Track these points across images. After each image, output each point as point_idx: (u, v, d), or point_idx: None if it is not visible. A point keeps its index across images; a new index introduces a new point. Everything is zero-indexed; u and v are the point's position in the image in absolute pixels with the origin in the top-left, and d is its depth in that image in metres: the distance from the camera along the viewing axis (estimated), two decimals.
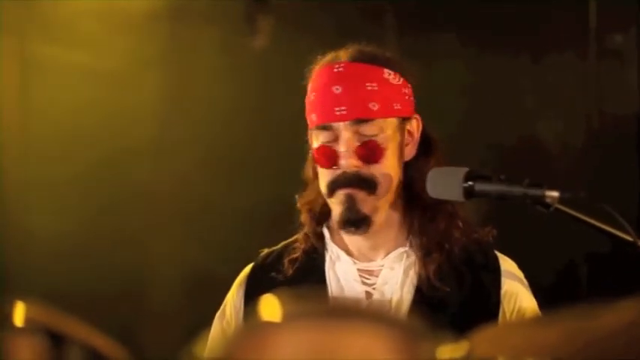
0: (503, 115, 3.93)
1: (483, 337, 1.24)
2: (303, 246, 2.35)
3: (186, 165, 3.99)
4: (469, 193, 2.00)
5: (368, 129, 2.20)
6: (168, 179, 4.00)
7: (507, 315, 2.27)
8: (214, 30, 4.01)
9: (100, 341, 1.41)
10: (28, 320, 1.35)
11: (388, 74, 2.24)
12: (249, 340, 1.12)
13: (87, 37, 3.95)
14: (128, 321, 3.80)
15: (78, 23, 3.93)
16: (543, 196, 1.91)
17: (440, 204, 2.23)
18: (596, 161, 3.87)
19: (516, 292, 2.29)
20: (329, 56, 2.29)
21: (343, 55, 2.27)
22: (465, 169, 2.02)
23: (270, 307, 1.15)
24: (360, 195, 2.21)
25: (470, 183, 2.00)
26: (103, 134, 3.94)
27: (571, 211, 1.91)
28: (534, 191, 1.92)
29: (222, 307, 2.40)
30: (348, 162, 2.19)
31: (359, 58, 2.25)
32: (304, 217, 2.35)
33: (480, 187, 1.99)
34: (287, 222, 2.39)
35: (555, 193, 1.91)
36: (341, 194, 2.22)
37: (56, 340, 1.34)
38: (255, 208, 3.83)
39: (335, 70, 2.24)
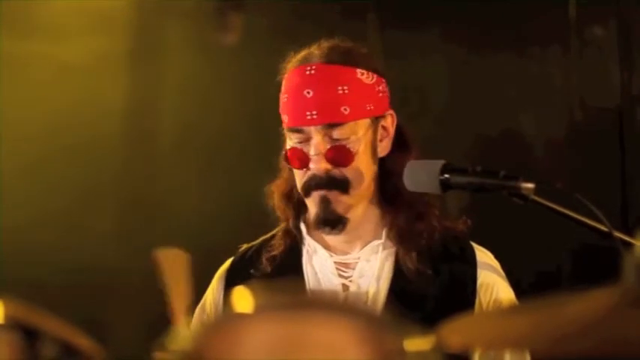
0: (485, 108, 3.93)
1: (453, 328, 1.24)
2: (281, 242, 2.36)
3: (158, 159, 3.99)
4: (446, 185, 2.00)
5: (339, 132, 2.21)
6: (140, 172, 3.99)
7: (484, 306, 2.27)
8: (186, 26, 4.01)
9: (74, 336, 1.41)
10: (5, 317, 1.35)
11: (361, 74, 2.25)
12: (218, 331, 1.13)
13: (59, 32, 3.94)
14: (100, 315, 3.80)
15: (50, 19, 3.92)
16: (519, 188, 1.91)
17: (417, 195, 2.23)
18: (578, 154, 3.87)
19: (492, 284, 2.30)
20: (302, 54, 2.29)
21: (316, 53, 2.27)
22: (442, 162, 2.02)
23: (242, 299, 1.15)
24: (334, 195, 2.23)
25: (446, 175, 2.00)
26: (74, 127, 3.92)
27: (547, 202, 1.92)
28: (510, 182, 1.92)
29: (202, 301, 2.40)
30: (318, 165, 2.21)
31: (331, 59, 2.25)
32: (281, 211, 2.37)
33: (455, 179, 1.99)
34: (262, 215, 2.40)
35: (531, 185, 1.91)
36: (316, 195, 2.24)
37: (29, 335, 1.34)
38: (231, 202, 3.83)
39: (307, 72, 2.24)
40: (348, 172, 2.23)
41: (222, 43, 3.95)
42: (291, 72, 2.28)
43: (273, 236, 2.39)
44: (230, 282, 2.37)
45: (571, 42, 3.92)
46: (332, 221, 2.25)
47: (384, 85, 2.30)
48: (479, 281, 2.29)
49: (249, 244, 2.42)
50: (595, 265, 3.07)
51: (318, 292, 2.24)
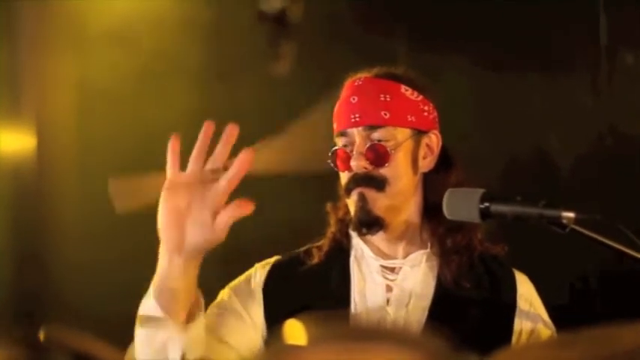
0: (513, 131, 3.93)
1: (508, 357, 1.25)
2: (328, 243, 2.49)
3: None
4: (485, 214, 2.01)
5: (378, 134, 2.38)
6: None
7: (523, 331, 2.36)
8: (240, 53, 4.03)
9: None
10: (54, 343, 1.37)
11: (405, 90, 2.42)
12: None
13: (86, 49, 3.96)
14: None
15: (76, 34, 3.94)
16: (560, 217, 1.92)
17: None
18: (608, 178, 3.86)
19: (532, 309, 2.41)
20: (358, 73, 2.47)
21: (368, 72, 2.46)
22: (482, 191, 2.03)
23: (294, 330, 1.15)
24: (371, 194, 2.37)
25: (486, 204, 2.01)
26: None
27: (587, 231, 1.92)
28: (551, 212, 1.93)
29: (236, 283, 2.47)
30: (357, 163, 2.36)
31: (379, 75, 2.45)
32: (332, 219, 2.51)
33: (496, 208, 2.00)
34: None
35: (571, 214, 1.92)
36: (354, 194, 2.38)
37: None
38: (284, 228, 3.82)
39: (356, 84, 2.44)
40: (385, 171, 2.37)
41: (273, 71, 3.96)
42: (344, 87, 2.47)
43: (314, 246, 2.51)
44: (275, 274, 2.46)
45: (601, 67, 3.91)
46: (368, 222, 2.37)
47: (430, 107, 2.47)
48: (518, 305, 2.40)
49: (289, 252, 2.53)
50: (626, 289, 3.07)
51: (365, 320, 2.25)
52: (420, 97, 2.44)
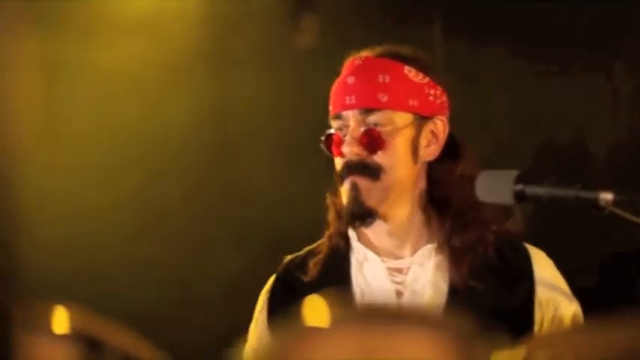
0: (549, 122, 3.88)
1: (541, 343, 1.19)
2: (327, 247, 2.35)
3: (237, 171, 3.95)
4: (520, 196, 1.95)
5: (374, 118, 2.22)
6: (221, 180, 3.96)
7: (545, 321, 2.23)
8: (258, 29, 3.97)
9: (138, 347, 1.38)
10: (67, 326, 1.32)
11: (409, 71, 2.26)
12: (292, 347, 1.08)
13: (113, 39, 3.92)
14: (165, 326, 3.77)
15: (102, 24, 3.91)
16: (597, 199, 1.85)
17: (472, 210, 2.22)
18: None
19: (552, 297, 2.26)
20: (361, 51, 2.31)
21: (372, 51, 2.30)
22: (516, 172, 1.96)
23: (316, 310, 1.10)
24: (364, 183, 2.22)
25: (520, 186, 1.95)
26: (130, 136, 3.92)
27: (626, 213, 1.86)
28: (587, 194, 1.86)
29: (255, 316, 2.39)
30: (350, 149, 2.22)
31: (382, 54, 2.28)
32: (330, 215, 2.35)
33: (530, 190, 1.93)
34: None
35: (609, 196, 1.85)
36: (347, 182, 2.24)
37: (92, 345, 1.31)
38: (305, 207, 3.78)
39: (355, 63, 2.28)
40: (379, 158, 2.22)
41: (295, 46, 3.91)
42: (344, 66, 2.31)
43: (319, 245, 2.38)
44: (275, 297, 2.36)
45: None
46: (361, 214, 2.23)
47: (438, 90, 2.30)
48: (537, 295, 2.25)
49: (294, 255, 2.41)
50: None
51: (399, 303, 2.16)
52: (427, 80, 2.28)
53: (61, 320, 1.32)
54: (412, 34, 3.77)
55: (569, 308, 2.26)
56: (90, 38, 3.93)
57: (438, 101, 2.29)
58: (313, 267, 2.32)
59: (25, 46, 3.83)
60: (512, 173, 1.97)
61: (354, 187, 2.22)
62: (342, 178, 2.25)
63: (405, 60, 2.27)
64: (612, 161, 3.88)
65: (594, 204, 1.86)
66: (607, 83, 3.87)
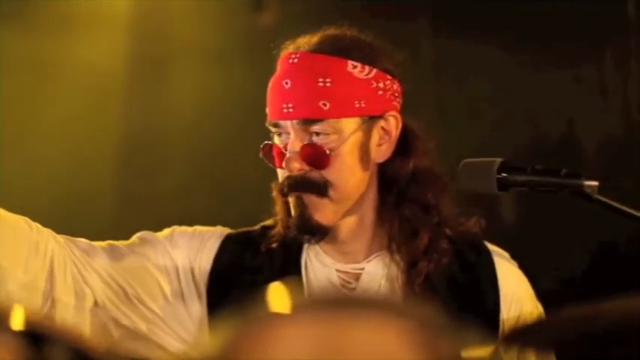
0: (540, 115, 3.83)
1: (510, 336, 1.14)
2: (280, 233, 2.10)
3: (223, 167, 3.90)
4: (503, 184, 1.90)
5: (317, 128, 1.97)
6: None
7: (511, 322, 2.06)
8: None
9: (86, 342, 1.31)
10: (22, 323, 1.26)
11: (353, 67, 2.00)
12: (251, 333, 1.02)
13: (91, 33, 3.87)
14: None
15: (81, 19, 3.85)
16: (582, 186, 1.81)
17: (423, 213, 2.05)
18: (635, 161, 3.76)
19: (516, 297, 2.10)
20: (296, 41, 2.06)
21: (307, 41, 2.04)
22: (499, 160, 1.93)
23: (277, 296, 1.04)
24: (312, 199, 1.99)
25: (504, 174, 1.90)
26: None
27: (612, 202, 1.81)
28: (572, 181, 1.82)
29: (185, 229, 2.17)
30: (291, 165, 1.97)
31: (320, 48, 2.01)
32: (278, 209, 2.11)
33: (514, 177, 1.89)
34: None
35: (594, 183, 1.80)
36: (293, 198, 2.01)
37: (38, 341, 1.24)
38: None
39: (290, 61, 2.01)
40: (327, 174, 1.98)
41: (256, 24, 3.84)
42: (280, 60, 2.05)
43: (272, 226, 2.13)
44: (223, 255, 2.11)
45: (631, 57, 3.80)
46: (309, 230, 2.01)
47: (387, 81, 2.04)
48: (501, 294, 2.08)
49: (247, 229, 2.16)
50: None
51: (364, 291, 2.06)
52: (374, 72, 2.01)
53: (17, 317, 1.26)
54: (399, 30, 3.75)
55: (535, 312, 2.11)
56: (68, 33, 3.87)
57: (388, 93, 2.04)
58: (265, 253, 2.09)
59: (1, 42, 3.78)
60: (496, 162, 1.93)
61: (300, 203, 1.99)
62: (285, 193, 2.01)
63: (348, 53, 2.00)
64: (602, 152, 3.83)
65: (580, 192, 1.82)
66: (596, 73, 3.82)
